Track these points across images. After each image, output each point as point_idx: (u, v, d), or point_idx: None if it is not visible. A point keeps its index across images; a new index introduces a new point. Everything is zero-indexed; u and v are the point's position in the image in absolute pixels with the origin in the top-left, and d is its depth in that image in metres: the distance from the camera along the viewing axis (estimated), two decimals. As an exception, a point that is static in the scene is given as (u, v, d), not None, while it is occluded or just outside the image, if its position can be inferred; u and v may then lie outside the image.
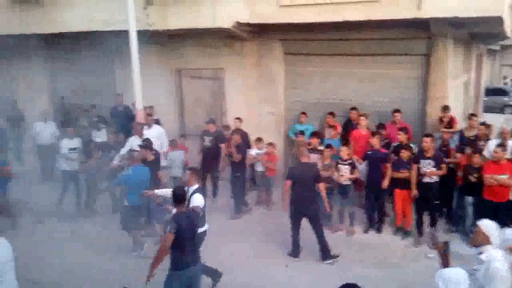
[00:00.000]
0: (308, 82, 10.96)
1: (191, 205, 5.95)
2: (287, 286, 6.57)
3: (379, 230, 8.24)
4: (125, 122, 10.99)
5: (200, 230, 5.80)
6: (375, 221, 8.35)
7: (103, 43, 12.32)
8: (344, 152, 8.24)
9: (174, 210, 5.57)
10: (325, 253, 7.24)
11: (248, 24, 10.22)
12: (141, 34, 9.91)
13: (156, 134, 9.70)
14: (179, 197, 5.34)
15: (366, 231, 8.32)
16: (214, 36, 11.11)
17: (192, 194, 6.11)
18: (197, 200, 6.05)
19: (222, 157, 9.62)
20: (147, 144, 8.44)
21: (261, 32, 10.78)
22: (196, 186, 6.27)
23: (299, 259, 7.37)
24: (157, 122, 10.66)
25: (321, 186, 7.33)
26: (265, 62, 11.20)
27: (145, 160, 8.06)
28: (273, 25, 10.02)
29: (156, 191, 7.02)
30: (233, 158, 9.17)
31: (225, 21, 10.01)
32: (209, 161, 9.61)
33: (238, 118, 10.10)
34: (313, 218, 7.24)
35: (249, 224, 8.74)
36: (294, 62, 11.03)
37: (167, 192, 6.68)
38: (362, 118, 9.33)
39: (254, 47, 11.24)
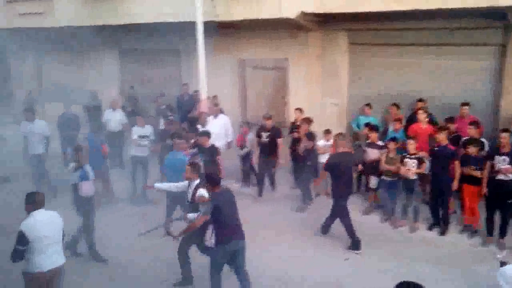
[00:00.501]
0: (373, 73, 10.72)
1: (197, 195, 6.11)
2: (344, 281, 6.50)
3: (444, 228, 7.91)
4: (191, 110, 11.29)
5: None
6: (440, 219, 8.02)
7: (170, 34, 12.71)
8: (412, 145, 7.98)
9: (204, 192, 5.98)
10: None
11: (314, 14, 10.11)
12: (207, 25, 10.12)
13: (221, 124, 9.90)
14: (214, 180, 5.62)
15: (430, 228, 8.02)
16: (278, 27, 11.10)
17: (195, 188, 6.19)
18: (203, 194, 6.08)
19: (279, 152, 9.51)
20: (205, 132, 8.64)
21: (326, 22, 10.64)
22: (197, 180, 6.27)
23: (360, 252, 7.27)
24: (221, 111, 10.85)
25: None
26: (329, 52, 11.05)
27: (202, 147, 8.29)
28: (339, 15, 9.85)
29: (157, 185, 7.03)
30: (298, 148, 9.05)
31: (291, 11, 9.96)
32: (266, 156, 9.54)
33: (298, 109, 10.03)
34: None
35: (311, 215, 8.70)
36: (359, 52, 10.81)
37: (169, 186, 6.81)
38: (420, 111, 8.96)
39: (318, 38, 11.13)
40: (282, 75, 11.90)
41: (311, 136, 8.99)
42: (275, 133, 9.46)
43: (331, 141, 9.03)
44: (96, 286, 6.47)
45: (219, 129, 9.83)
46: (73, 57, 16.01)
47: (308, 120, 9.43)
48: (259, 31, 11.64)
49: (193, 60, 12.01)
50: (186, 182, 6.44)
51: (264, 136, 9.47)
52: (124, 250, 7.35)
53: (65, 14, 13.68)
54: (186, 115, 11.36)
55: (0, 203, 8.92)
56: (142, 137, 9.68)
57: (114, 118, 11.34)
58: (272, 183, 9.78)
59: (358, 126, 10.17)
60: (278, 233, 7.97)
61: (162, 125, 11.02)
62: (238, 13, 10.62)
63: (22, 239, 4.80)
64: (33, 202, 5.03)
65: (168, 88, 12.82)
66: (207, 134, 8.59)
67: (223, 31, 11.69)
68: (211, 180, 5.64)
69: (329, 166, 7.48)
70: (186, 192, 6.40)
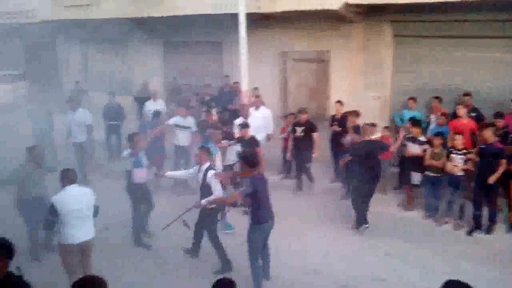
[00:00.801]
0: (418, 66, 10.45)
1: (207, 180, 6.34)
2: (384, 276, 6.40)
3: (490, 227, 7.63)
4: (231, 102, 11.35)
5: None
6: (487, 218, 7.73)
7: (212, 27, 12.80)
8: (459, 140, 7.73)
9: (213, 175, 6.33)
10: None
11: (358, 5, 9.95)
12: (249, 17, 10.12)
13: (262, 116, 9.90)
14: (253, 162, 5.76)
15: (475, 227, 7.76)
16: (320, 18, 10.98)
17: (206, 171, 6.41)
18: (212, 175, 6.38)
19: (315, 146, 9.43)
20: (246, 123, 8.66)
21: (370, 13, 10.44)
22: (208, 163, 6.50)
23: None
24: (262, 103, 10.85)
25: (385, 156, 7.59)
26: (372, 44, 10.85)
27: (243, 139, 8.37)
28: (384, 6, 9.65)
29: (169, 173, 7.31)
30: (343, 141, 8.90)
31: (334, 2, 9.84)
32: (301, 151, 9.41)
33: (339, 102, 9.84)
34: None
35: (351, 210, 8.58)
36: (404, 45, 10.56)
37: (180, 174, 7.13)
38: (459, 106, 8.64)
39: (361, 29, 10.94)
40: (323, 68, 11.79)
41: (359, 130, 8.83)
42: (309, 127, 9.36)
43: (378, 134, 8.87)
44: (139, 271, 6.63)
45: (260, 122, 9.82)
46: (118, 49, 16.40)
47: (356, 113, 9.27)
48: (301, 23, 11.56)
49: (235, 52, 12.06)
50: (196, 168, 6.66)
51: (299, 130, 9.36)
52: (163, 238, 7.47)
53: (110, 6, 14.00)
54: (226, 107, 11.42)
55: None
56: (181, 127, 9.79)
57: (155, 109, 11.28)
58: (309, 177, 9.71)
59: (401, 120, 9.96)
60: (315, 225, 7.94)
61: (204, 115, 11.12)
62: (280, 5, 10.58)
63: (53, 211, 5.24)
64: (66, 177, 5.42)
65: (210, 79, 12.91)
66: (247, 126, 8.61)
67: (264, 23, 11.69)
68: (249, 161, 5.76)
69: (353, 151, 7.71)
70: (197, 177, 6.62)
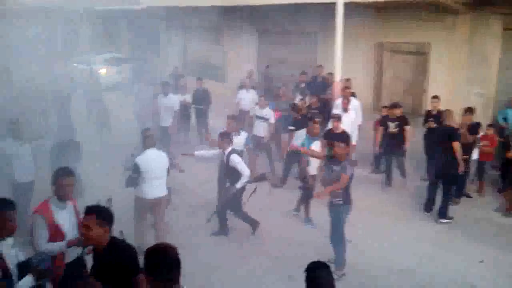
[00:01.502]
0: (529, 62, 9.64)
1: (231, 164, 6.64)
2: (479, 284, 6.06)
3: None
4: (323, 93, 11.26)
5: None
6: None
7: (308, 16, 12.73)
8: None
9: (237, 157, 6.72)
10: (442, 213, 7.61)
11: (465, -4, 9.37)
12: (346, 7, 9.93)
13: (353, 107, 9.72)
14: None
15: None
16: (422, 9, 10.49)
17: (228, 156, 6.70)
18: (237, 159, 6.65)
19: (407, 139, 8.99)
20: (338, 116, 8.50)
21: (477, 5, 9.78)
22: (229, 148, 6.81)
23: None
24: (353, 95, 10.65)
25: (455, 145, 7.41)
26: (478, 38, 10.16)
27: (333, 131, 8.25)
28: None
29: (196, 152, 7.53)
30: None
31: (440, -8, 9.34)
32: (394, 146, 9.04)
33: (436, 97, 9.28)
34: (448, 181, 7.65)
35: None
36: (515, 39, 9.78)
37: (207, 153, 7.47)
38: None
39: (467, 22, 10.28)
40: (422, 60, 11.27)
41: (475, 129, 8.31)
42: (403, 121, 8.99)
43: (480, 133, 8.39)
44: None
45: (352, 113, 9.65)
46: (215, 36, 16.90)
47: (471, 110, 8.58)
48: (399, 13, 11.13)
49: (330, 43, 11.90)
50: (220, 151, 6.96)
51: (392, 125, 9.02)
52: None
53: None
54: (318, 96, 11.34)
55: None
56: (260, 118, 9.69)
57: (247, 97, 11.58)
58: (402, 172, 9.37)
59: (504, 119, 9.28)
60: (401, 222, 7.69)
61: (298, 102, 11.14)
62: (382, -6, 10.25)
63: (136, 169, 5.96)
64: (147, 142, 6.22)
65: (302, 69, 12.86)
66: (339, 119, 8.45)
67: (361, 12, 11.39)
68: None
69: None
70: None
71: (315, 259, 3.27)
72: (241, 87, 12.17)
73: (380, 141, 9.19)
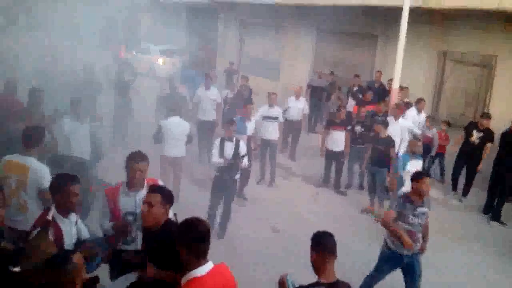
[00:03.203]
0: None
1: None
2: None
3: None
4: (379, 99, 10.96)
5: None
6: None
7: (370, 18, 12.45)
8: None
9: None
10: None
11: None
12: (411, 12, 9.62)
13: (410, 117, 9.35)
14: None
15: None
16: (490, 19, 10.01)
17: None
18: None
19: (485, 156, 8.48)
20: (384, 121, 8.24)
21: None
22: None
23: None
24: (409, 104, 10.32)
25: None
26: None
27: (378, 136, 8.02)
28: None
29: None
30: None
31: (513, 2, 8.87)
32: (471, 157, 8.60)
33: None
34: None
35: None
36: None
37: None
38: None
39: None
40: (487, 73, 10.77)
41: None
42: (487, 135, 8.44)
43: None
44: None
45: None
46: (273, 33, 16.84)
47: None
48: (466, 22, 10.68)
49: (390, 47, 11.63)
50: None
51: (476, 135, 8.50)
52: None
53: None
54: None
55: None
56: (269, 118, 9.16)
57: (296, 106, 10.60)
58: (467, 189, 8.89)
59: None
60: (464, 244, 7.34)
61: (350, 106, 10.93)
62: (449, 1, 9.84)
63: (158, 130, 7.47)
64: (171, 110, 7.61)
65: (359, 72, 12.60)
66: (385, 124, 8.18)
67: (426, 19, 11.04)
68: None
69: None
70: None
71: None
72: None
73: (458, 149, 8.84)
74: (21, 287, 2.77)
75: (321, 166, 9.31)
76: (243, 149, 6.90)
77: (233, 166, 6.70)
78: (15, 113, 6.58)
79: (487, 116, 8.60)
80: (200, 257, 2.75)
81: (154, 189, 3.39)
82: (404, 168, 6.90)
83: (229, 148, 6.79)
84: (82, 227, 3.75)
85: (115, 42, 22.15)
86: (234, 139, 6.88)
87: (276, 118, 9.18)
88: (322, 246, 3.10)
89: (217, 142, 6.84)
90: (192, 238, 2.73)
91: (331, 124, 8.89)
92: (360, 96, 11.15)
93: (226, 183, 6.77)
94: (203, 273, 2.74)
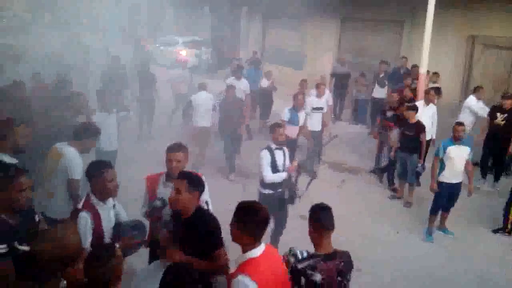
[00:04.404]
0: None
1: None
2: None
3: None
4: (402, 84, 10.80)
5: None
6: None
7: (395, 4, 12.23)
8: None
9: None
10: None
11: None
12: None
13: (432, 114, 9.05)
14: None
15: None
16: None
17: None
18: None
19: None
20: (414, 106, 8.04)
21: None
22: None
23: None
24: (438, 90, 10.13)
25: None
26: None
27: (407, 121, 7.86)
28: None
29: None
30: None
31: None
32: (498, 140, 8.35)
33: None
34: None
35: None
36: None
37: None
38: None
39: None
40: (518, 57, 10.47)
41: None
42: None
43: None
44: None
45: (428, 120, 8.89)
46: (296, 23, 16.70)
47: None
48: (495, 4, 10.39)
49: (417, 33, 11.40)
50: None
51: (500, 117, 8.33)
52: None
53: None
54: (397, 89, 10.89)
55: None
56: (315, 109, 9.00)
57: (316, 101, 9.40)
58: (498, 174, 8.59)
59: None
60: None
61: (377, 93, 10.78)
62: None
63: (189, 104, 8.80)
64: (200, 87, 8.98)
65: (385, 59, 12.38)
66: (415, 109, 8.01)
67: (453, 3, 10.78)
68: None
69: None
70: None
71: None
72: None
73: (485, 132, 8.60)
74: (31, 265, 2.79)
75: (345, 154, 9.27)
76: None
77: (289, 181, 5.63)
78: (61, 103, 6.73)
79: (509, 96, 8.38)
80: (258, 239, 2.89)
81: (181, 175, 3.40)
82: (441, 154, 6.71)
83: (280, 159, 5.63)
84: (121, 211, 3.85)
85: (140, 35, 22.34)
86: (282, 147, 5.73)
87: (322, 109, 9.12)
88: (319, 222, 3.19)
89: (265, 155, 5.51)
90: (257, 222, 2.86)
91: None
92: (386, 83, 10.98)
93: (284, 202, 5.71)
94: (258, 255, 2.87)
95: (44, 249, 2.60)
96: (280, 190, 5.60)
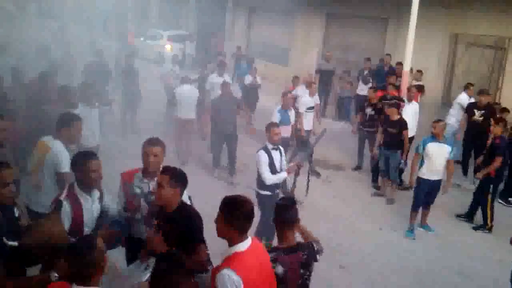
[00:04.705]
0: None
1: None
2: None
3: None
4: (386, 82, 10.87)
5: None
6: None
7: (380, 1, 12.29)
8: None
9: None
10: None
11: None
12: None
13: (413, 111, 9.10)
14: None
15: None
16: (504, 1, 9.83)
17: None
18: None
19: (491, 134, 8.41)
20: (396, 103, 8.13)
21: None
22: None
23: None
24: (421, 88, 10.22)
25: None
26: None
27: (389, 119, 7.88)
28: None
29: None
30: None
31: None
32: (477, 137, 8.56)
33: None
34: None
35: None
36: None
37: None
38: None
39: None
40: (499, 56, 10.62)
41: None
42: (489, 111, 8.38)
43: None
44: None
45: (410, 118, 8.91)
46: (281, 18, 16.68)
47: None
48: (478, 3, 10.52)
49: (400, 31, 11.48)
50: None
51: (477, 114, 8.50)
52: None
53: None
54: (382, 86, 10.96)
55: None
56: (310, 109, 9.07)
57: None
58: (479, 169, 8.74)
59: None
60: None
61: (360, 90, 10.82)
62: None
63: (174, 96, 8.95)
64: (183, 80, 9.13)
65: (370, 56, 12.44)
66: (396, 106, 8.07)
67: (437, 1, 10.89)
68: None
69: None
70: None
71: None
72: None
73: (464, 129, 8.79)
74: (20, 260, 2.84)
75: (329, 150, 9.32)
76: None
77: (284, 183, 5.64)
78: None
79: (484, 92, 8.58)
80: (244, 233, 2.89)
81: (164, 170, 3.40)
82: (420, 150, 6.77)
83: (278, 159, 5.58)
84: (110, 205, 3.82)
85: (124, 28, 22.06)
86: (279, 147, 5.69)
87: (313, 108, 9.17)
88: (280, 217, 3.26)
89: (263, 156, 5.45)
90: (242, 215, 2.85)
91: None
92: (370, 80, 11.05)
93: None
94: (244, 249, 2.86)
95: (33, 242, 2.60)
96: (277, 191, 5.59)
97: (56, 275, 2.76)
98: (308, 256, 3.23)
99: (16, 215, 3.33)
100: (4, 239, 2.95)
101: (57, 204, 3.44)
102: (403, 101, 8.75)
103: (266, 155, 5.44)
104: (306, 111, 8.93)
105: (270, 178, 5.37)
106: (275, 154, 5.54)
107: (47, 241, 2.69)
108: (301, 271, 3.20)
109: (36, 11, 29.33)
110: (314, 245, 3.31)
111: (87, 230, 3.53)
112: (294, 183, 5.64)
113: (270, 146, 5.53)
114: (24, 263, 3.02)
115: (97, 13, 25.09)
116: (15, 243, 2.90)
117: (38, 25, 21.01)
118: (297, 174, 5.59)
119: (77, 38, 15.92)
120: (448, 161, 6.64)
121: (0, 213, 3.04)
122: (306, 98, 9.12)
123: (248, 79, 11.61)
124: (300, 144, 8.79)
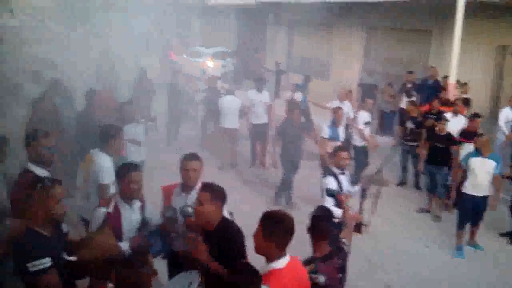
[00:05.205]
0: None
1: None
2: None
3: None
4: (432, 96, 10.59)
5: None
6: None
7: (423, 13, 12.08)
8: None
9: None
10: None
11: None
12: (467, 5, 9.25)
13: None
14: None
15: None
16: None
17: None
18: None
19: None
20: (444, 117, 7.87)
21: None
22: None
23: None
24: (467, 101, 9.90)
25: None
26: None
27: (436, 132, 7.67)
28: None
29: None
30: None
31: None
32: None
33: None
34: None
35: None
36: None
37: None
38: None
39: None
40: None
41: None
42: None
43: None
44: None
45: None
46: (321, 33, 16.67)
47: None
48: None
49: (445, 43, 11.25)
50: None
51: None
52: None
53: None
54: (426, 99, 10.70)
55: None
56: (366, 123, 8.82)
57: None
58: None
59: None
60: None
61: (403, 103, 10.62)
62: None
63: (216, 107, 9.33)
64: (224, 92, 9.84)
65: (413, 69, 12.21)
66: (445, 119, 7.83)
67: (483, 11, 10.57)
68: None
69: None
70: None
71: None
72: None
73: None
74: (78, 275, 2.95)
75: (373, 165, 9.11)
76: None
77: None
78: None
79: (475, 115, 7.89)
80: (283, 250, 2.81)
81: (204, 186, 3.38)
82: (465, 163, 6.55)
83: (345, 184, 5.33)
84: (153, 216, 3.89)
85: (167, 47, 22.61)
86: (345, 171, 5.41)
87: (370, 123, 9.01)
88: (319, 232, 3.31)
89: (331, 182, 5.17)
90: (282, 231, 2.79)
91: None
92: (415, 94, 10.81)
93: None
94: (282, 266, 2.79)
95: (90, 256, 2.73)
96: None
97: (111, 285, 2.82)
98: (343, 260, 3.28)
99: (65, 230, 3.44)
100: (64, 254, 3.06)
101: (105, 217, 3.55)
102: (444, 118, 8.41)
103: (334, 181, 5.15)
104: (364, 126, 8.74)
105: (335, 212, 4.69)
106: (343, 180, 5.27)
107: (102, 254, 2.81)
108: (339, 275, 3.24)
109: (83, 31, 30.53)
110: (344, 248, 3.38)
111: (125, 239, 3.60)
112: (361, 207, 4.99)
113: (337, 171, 5.27)
114: (74, 276, 3.14)
115: (140, 33, 25.88)
116: (74, 258, 3.00)
117: (84, 45, 21.81)
118: (364, 198, 4.99)
119: (121, 57, 16.39)
120: (495, 177, 6.39)
121: (52, 229, 3.15)
122: (363, 113, 8.90)
123: (299, 97, 11.10)
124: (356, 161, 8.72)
